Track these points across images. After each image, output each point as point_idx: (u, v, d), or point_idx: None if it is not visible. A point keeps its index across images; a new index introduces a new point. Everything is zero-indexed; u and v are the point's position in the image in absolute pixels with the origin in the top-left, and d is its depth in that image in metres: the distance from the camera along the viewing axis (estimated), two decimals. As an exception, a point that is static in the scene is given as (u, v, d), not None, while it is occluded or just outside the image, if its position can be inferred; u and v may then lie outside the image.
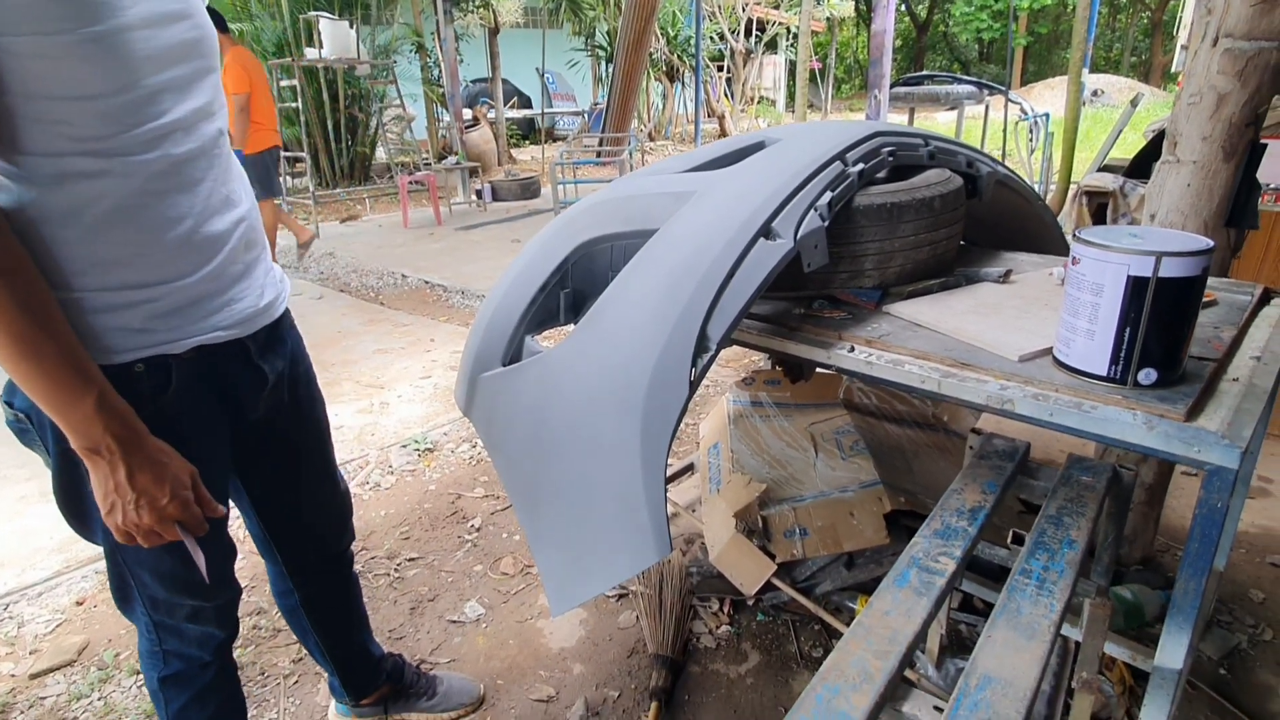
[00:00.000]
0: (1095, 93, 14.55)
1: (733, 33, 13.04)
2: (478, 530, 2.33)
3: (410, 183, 7.17)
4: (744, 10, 12.96)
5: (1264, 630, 1.78)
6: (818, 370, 2.44)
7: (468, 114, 9.86)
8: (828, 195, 1.38)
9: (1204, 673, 1.66)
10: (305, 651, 1.71)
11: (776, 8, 14.07)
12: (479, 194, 7.96)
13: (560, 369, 1.21)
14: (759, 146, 1.63)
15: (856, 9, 20.88)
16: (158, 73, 0.89)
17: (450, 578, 2.12)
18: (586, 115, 12.51)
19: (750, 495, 1.93)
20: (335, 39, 6.69)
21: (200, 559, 1.00)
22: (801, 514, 1.87)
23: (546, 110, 10.73)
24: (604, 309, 1.23)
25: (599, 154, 8.33)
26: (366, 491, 2.57)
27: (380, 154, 9.28)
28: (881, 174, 1.58)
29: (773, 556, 1.85)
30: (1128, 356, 1.06)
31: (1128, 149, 5.29)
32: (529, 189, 8.32)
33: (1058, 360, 1.17)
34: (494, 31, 9.73)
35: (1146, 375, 1.07)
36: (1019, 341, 1.24)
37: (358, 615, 1.60)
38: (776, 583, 1.88)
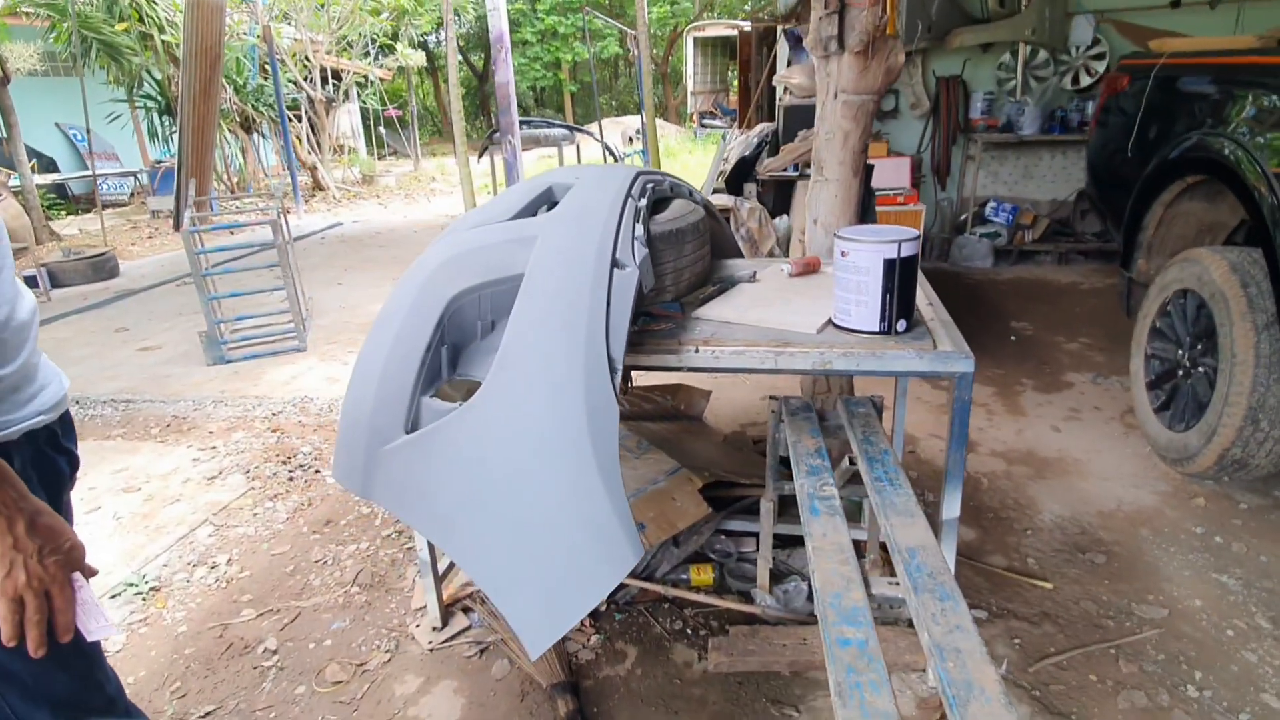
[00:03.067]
0: (638, 131, 17.45)
1: (307, 80, 12.37)
2: (275, 652, 2.01)
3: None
4: (313, 58, 12.41)
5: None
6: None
7: (-27, 185, 7.62)
8: (639, 228, 1.62)
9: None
10: None
11: (342, 55, 13.79)
12: (32, 282, 6.26)
13: (487, 419, 1.23)
14: (548, 191, 1.79)
15: (428, 60, 21.46)
16: None
17: (271, 713, 1.81)
18: (147, 176, 10.63)
19: (581, 511, 2.06)
20: None
21: (98, 609, 0.95)
22: (634, 511, 2.08)
23: (97, 173, 8.79)
24: (510, 353, 1.28)
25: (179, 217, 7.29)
26: (87, 665, 2.00)
27: None
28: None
29: (619, 557, 2.02)
30: (890, 314, 1.52)
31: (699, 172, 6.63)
32: (104, 267, 6.82)
33: (840, 326, 1.60)
34: (3, 81, 7.68)
35: (901, 325, 1.54)
36: (805, 320, 1.64)
37: None
38: (623, 580, 2.05)
